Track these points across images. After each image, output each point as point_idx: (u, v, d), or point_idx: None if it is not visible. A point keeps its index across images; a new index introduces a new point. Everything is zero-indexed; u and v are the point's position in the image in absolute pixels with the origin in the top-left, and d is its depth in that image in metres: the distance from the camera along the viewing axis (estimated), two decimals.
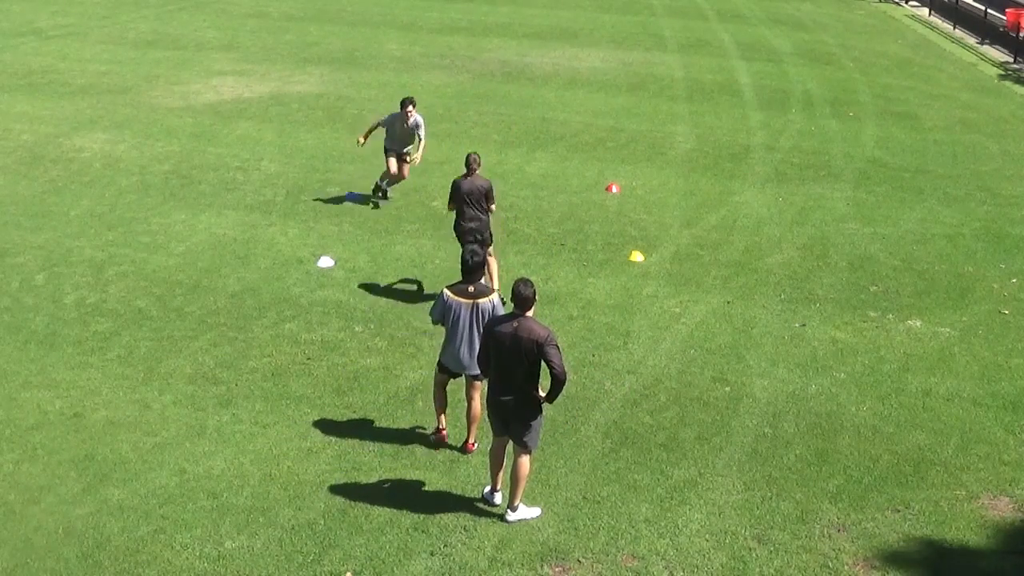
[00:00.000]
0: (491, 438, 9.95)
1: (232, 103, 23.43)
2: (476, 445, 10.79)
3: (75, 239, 16.08)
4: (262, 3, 35.51)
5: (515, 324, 9.30)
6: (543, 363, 9.31)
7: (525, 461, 9.62)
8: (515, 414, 9.46)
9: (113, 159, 19.75)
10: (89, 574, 9.13)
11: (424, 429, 11.19)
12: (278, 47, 29.15)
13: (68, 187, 18.33)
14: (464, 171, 13.29)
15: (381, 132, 17.29)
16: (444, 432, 10.96)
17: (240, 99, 23.77)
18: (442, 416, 10.95)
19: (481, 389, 10.58)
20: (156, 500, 10.04)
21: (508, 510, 9.78)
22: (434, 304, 10.57)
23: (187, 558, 9.29)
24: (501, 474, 9.98)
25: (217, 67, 26.68)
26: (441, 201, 17.57)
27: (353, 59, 27.80)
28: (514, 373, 9.33)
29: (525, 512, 9.78)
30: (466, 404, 10.82)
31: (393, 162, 17.21)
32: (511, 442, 9.73)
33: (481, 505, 9.96)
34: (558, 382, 9.24)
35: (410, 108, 16.69)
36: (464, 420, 10.94)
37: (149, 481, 10.32)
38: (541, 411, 9.58)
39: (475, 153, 13.38)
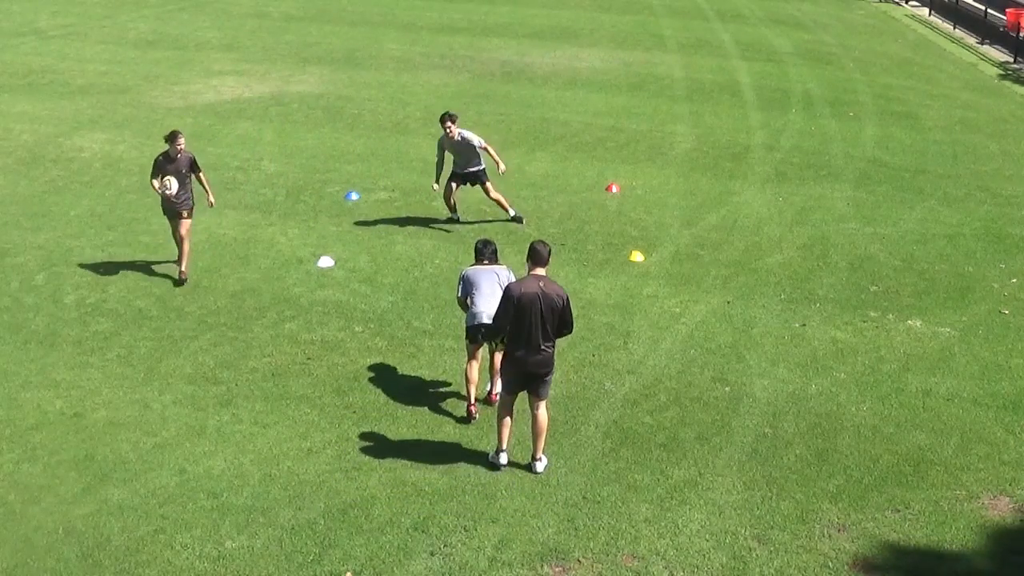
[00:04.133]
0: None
1: (232, 103, 23.43)
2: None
3: (75, 239, 16.08)
4: (262, 3, 35.51)
5: (541, 284, 10.02)
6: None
7: (544, 412, 10.30)
8: (542, 370, 10.11)
9: (113, 159, 19.75)
10: (89, 574, 9.13)
11: (423, 429, 11.21)
12: (278, 47, 29.15)
13: (68, 187, 18.33)
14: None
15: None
16: (474, 407, 11.31)
17: (240, 99, 23.76)
18: (472, 390, 11.32)
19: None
20: (156, 500, 10.04)
21: (535, 461, 10.39)
22: (457, 285, 11.44)
23: (187, 558, 9.29)
24: (509, 436, 10.43)
25: (217, 67, 26.69)
26: (440, 202, 17.57)
27: (353, 59, 27.80)
28: (543, 329, 9.98)
29: (545, 459, 10.45)
30: (488, 359, 11.60)
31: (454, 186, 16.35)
32: (517, 403, 10.41)
33: (481, 505, 9.96)
34: (568, 332, 10.22)
35: (449, 124, 15.76)
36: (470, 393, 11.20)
37: (149, 481, 10.32)
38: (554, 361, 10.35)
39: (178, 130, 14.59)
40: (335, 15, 33.74)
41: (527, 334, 10.00)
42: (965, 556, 9.41)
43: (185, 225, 14.46)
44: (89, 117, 22.33)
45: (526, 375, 10.16)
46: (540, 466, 10.41)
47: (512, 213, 16.66)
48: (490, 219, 16.79)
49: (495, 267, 11.37)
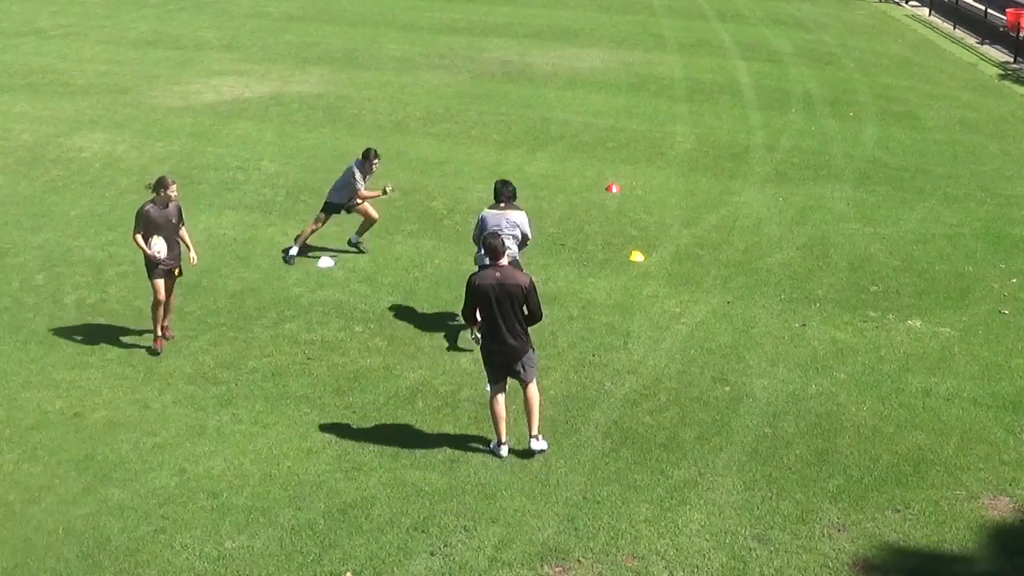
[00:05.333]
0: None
1: (232, 103, 23.42)
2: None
3: (75, 239, 16.07)
4: (262, 3, 35.50)
5: (498, 274, 10.25)
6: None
7: (533, 390, 10.55)
8: (514, 355, 10.33)
9: (113, 159, 19.75)
10: (89, 574, 9.13)
11: (423, 429, 11.21)
12: (278, 47, 29.15)
13: (68, 187, 18.33)
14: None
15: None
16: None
17: (240, 99, 23.76)
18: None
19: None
20: (156, 500, 10.04)
21: (533, 440, 10.60)
22: (475, 225, 12.46)
23: (187, 558, 9.29)
24: (505, 426, 10.53)
25: (217, 67, 26.68)
26: (439, 202, 17.58)
27: (353, 59, 27.80)
28: (507, 317, 10.23)
29: (545, 442, 10.67)
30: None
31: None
32: (507, 389, 10.59)
33: (481, 505, 9.96)
34: (535, 320, 10.44)
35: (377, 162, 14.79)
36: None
37: (149, 481, 10.32)
38: (534, 348, 10.61)
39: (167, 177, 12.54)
40: (335, 15, 33.74)
41: (492, 324, 10.31)
42: (965, 556, 9.40)
43: (174, 282, 12.81)
44: (89, 117, 22.32)
45: (501, 363, 10.44)
46: (537, 444, 10.59)
47: (294, 251, 15.30)
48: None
49: (507, 212, 12.26)
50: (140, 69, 26.47)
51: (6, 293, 14.34)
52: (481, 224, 12.24)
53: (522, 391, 10.65)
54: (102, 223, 16.69)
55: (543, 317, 10.61)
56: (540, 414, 10.68)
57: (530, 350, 10.50)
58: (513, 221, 12.19)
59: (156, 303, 12.64)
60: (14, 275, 14.87)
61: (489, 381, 10.67)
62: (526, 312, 10.35)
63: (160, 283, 12.50)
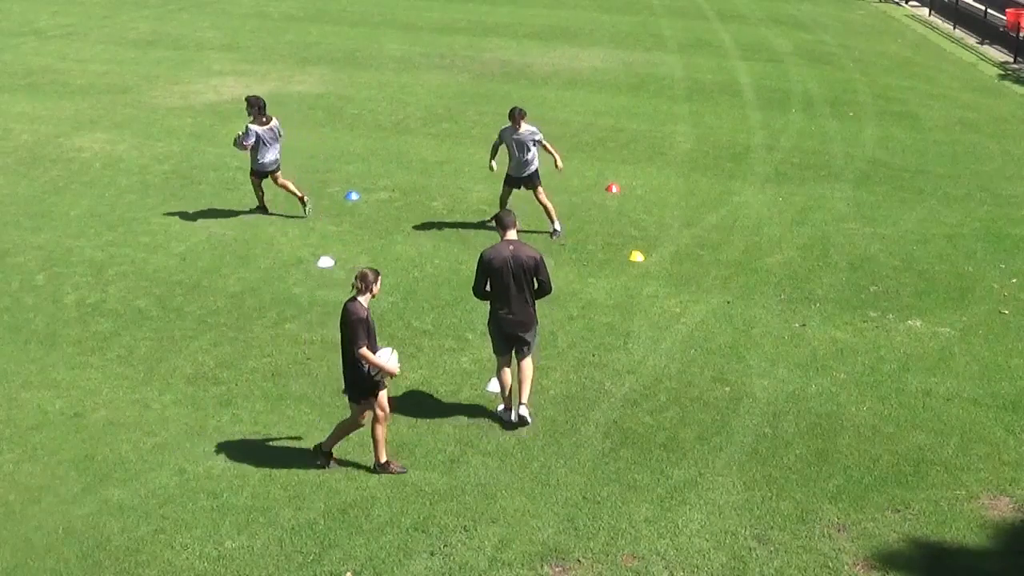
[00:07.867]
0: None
1: (232, 103, 23.41)
2: None
3: (75, 239, 16.08)
4: (262, 3, 35.50)
5: (511, 247, 10.77)
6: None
7: (529, 363, 11.12)
8: (524, 326, 10.86)
9: (113, 159, 19.75)
10: (89, 574, 9.14)
11: (423, 429, 11.21)
12: (278, 47, 29.14)
13: (68, 187, 18.33)
14: None
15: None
16: None
17: (240, 99, 23.69)
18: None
19: None
20: (156, 500, 10.05)
21: (522, 406, 11.07)
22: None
23: (187, 558, 9.30)
24: (511, 394, 11.13)
25: (217, 67, 26.68)
26: (441, 201, 17.58)
27: (353, 59, 27.79)
28: (520, 289, 10.75)
29: (526, 409, 11.17)
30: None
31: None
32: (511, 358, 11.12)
33: (481, 505, 9.96)
34: (545, 292, 11.01)
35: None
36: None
37: (149, 481, 10.33)
38: (537, 320, 11.13)
39: None
40: (335, 15, 33.73)
41: (503, 295, 10.78)
42: (965, 556, 9.41)
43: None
44: (89, 117, 22.33)
45: (508, 335, 10.92)
46: (524, 409, 11.05)
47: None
48: (491, 226, 16.77)
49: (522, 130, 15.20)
50: (140, 69, 26.48)
51: (6, 293, 14.34)
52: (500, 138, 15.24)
53: (517, 364, 11.07)
54: (102, 223, 16.70)
55: (552, 289, 11.05)
56: (532, 386, 11.21)
57: (536, 323, 11.00)
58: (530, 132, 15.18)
59: (385, 419, 10.45)
60: (14, 275, 14.88)
61: (495, 353, 11.12)
62: (536, 284, 10.81)
63: (385, 396, 10.35)
